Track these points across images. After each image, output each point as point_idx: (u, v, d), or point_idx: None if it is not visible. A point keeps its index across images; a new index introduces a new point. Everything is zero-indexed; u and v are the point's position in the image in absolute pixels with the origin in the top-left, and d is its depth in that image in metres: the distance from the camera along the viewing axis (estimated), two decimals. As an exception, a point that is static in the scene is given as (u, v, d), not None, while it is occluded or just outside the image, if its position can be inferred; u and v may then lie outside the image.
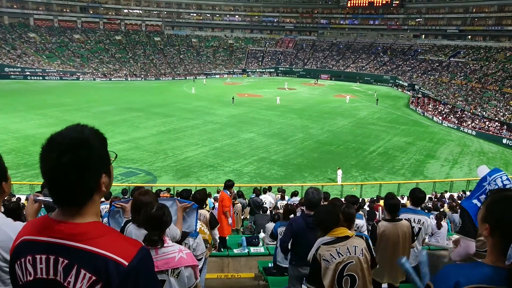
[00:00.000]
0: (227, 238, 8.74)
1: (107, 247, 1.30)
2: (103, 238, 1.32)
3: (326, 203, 6.46)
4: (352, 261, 3.01)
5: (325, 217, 3.21)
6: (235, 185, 9.83)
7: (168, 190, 13.99)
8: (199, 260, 4.13)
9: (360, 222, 5.89)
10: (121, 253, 1.30)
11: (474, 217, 2.98)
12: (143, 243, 1.44)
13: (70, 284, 1.29)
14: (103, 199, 13.22)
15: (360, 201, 9.24)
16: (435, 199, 15.72)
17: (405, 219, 4.69)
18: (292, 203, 10.24)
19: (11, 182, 2.05)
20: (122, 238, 1.40)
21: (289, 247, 4.39)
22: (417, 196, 4.94)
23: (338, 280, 3.03)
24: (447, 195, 17.27)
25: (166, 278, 2.65)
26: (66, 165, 1.30)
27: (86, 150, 1.33)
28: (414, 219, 4.80)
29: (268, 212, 11.21)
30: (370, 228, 5.81)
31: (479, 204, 3.01)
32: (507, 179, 3.06)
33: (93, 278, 1.27)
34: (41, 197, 2.64)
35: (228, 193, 8.63)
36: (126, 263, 1.29)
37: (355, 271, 3.03)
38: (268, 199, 12.20)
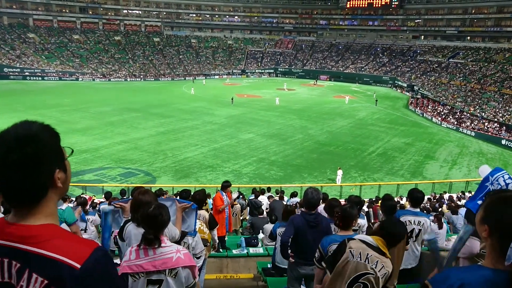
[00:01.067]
0: (225, 238, 8.71)
1: (58, 250, 1.25)
2: (55, 240, 1.28)
3: (323, 204, 6.46)
4: (373, 274, 2.97)
5: (399, 236, 3.09)
6: (235, 185, 9.83)
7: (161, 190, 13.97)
8: (199, 258, 4.13)
9: (362, 221, 5.90)
10: (73, 256, 1.25)
11: None
12: (98, 244, 1.36)
13: None
14: (102, 199, 13.20)
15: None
16: (434, 200, 15.73)
17: (405, 221, 4.68)
18: (291, 204, 10.24)
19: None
20: (76, 240, 1.34)
21: (289, 246, 4.38)
22: (415, 196, 4.94)
23: (350, 283, 3.00)
24: (446, 196, 17.28)
25: (163, 278, 2.67)
26: (13, 163, 1.25)
27: (34, 146, 1.29)
28: (414, 221, 4.79)
29: (265, 213, 11.23)
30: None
31: None
32: (510, 177, 3.05)
33: (45, 282, 1.23)
34: None
35: (223, 193, 8.57)
36: (79, 266, 1.24)
37: (369, 282, 3.00)
38: (265, 200, 12.20)
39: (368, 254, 2.94)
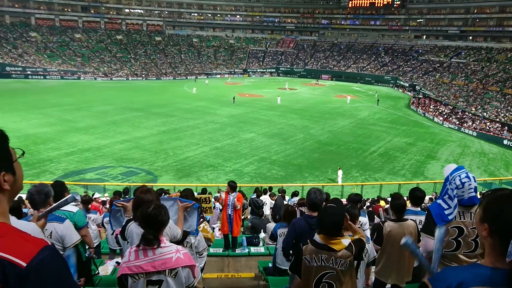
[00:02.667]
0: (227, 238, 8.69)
1: (4, 248, 1.23)
2: (2, 239, 1.26)
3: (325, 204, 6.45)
4: (333, 272, 2.98)
5: (333, 224, 3.05)
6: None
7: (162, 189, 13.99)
8: (201, 255, 4.14)
9: (363, 219, 5.90)
10: (19, 254, 1.23)
11: (435, 216, 3.01)
12: (48, 242, 1.33)
13: None
14: (104, 198, 13.22)
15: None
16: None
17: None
18: (292, 204, 10.24)
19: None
20: (24, 237, 1.31)
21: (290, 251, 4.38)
22: (416, 195, 4.93)
23: (316, 284, 3.02)
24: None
25: (163, 278, 2.66)
26: None
27: None
28: (415, 221, 4.78)
29: (267, 212, 11.21)
30: (372, 227, 5.81)
31: (442, 204, 3.02)
32: (466, 176, 3.01)
33: None
34: (42, 211, 2.62)
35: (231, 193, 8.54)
36: (24, 264, 1.22)
37: (333, 280, 3.02)
38: (268, 200, 12.20)
39: (320, 256, 2.96)
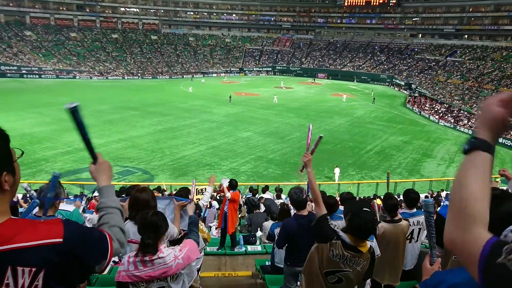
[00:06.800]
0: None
1: (33, 236, 1.29)
2: (24, 232, 1.29)
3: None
4: (350, 271, 3.01)
5: (369, 230, 2.98)
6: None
7: (158, 188, 13.99)
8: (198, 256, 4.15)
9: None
10: (51, 234, 1.31)
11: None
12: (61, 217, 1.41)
13: (9, 286, 1.25)
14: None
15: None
16: (432, 198, 15.78)
17: None
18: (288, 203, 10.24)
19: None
20: (42, 222, 1.39)
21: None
22: (411, 197, 4.94)
23: (327, 274, 3.02)
24: (443, 193, 17.34)
25: (165, 284, 2.66)
26: None
27: None
28: (412, 222, 4.79)
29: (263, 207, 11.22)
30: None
31: None
32: None
33: (33, 269, 1.27)
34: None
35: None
36: (61, 240, 1.31)
37: (344, 277, 3.03)
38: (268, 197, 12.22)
39: (346, 255, 2.95)
